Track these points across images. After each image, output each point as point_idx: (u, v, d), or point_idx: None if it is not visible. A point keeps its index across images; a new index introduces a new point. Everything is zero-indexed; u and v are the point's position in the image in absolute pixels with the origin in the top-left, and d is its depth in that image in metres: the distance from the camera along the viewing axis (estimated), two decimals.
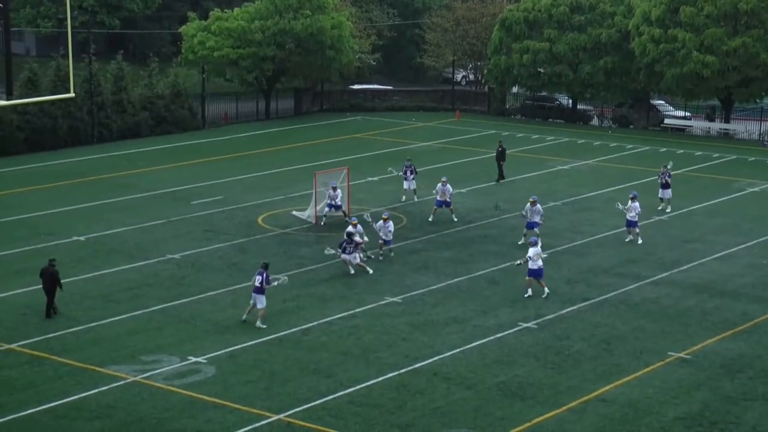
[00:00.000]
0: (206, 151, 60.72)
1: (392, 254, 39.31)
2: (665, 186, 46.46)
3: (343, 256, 36.64)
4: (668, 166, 47.37)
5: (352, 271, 36.57)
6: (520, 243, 40.25)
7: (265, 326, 31.72)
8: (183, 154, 59.40)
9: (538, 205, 40.79)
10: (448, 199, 44.41)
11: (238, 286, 35.48)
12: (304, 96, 75.90)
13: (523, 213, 41.14)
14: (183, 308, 33.50)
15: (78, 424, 25.34)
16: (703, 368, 29.20)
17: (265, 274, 31.89)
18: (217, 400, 26.52)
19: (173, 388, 27.23)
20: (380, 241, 39.08)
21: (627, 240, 41.61)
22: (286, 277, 33.41)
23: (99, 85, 62.93)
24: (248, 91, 72.93)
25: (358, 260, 36.74)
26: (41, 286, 32.85)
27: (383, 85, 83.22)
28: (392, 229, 39.32)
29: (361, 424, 25.38)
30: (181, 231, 42.42)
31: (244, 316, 32.30)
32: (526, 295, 34.81)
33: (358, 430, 25.11)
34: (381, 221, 39.20)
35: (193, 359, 29.20)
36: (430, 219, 44.25)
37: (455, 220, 44.28)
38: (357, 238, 37.04)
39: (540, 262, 34.72)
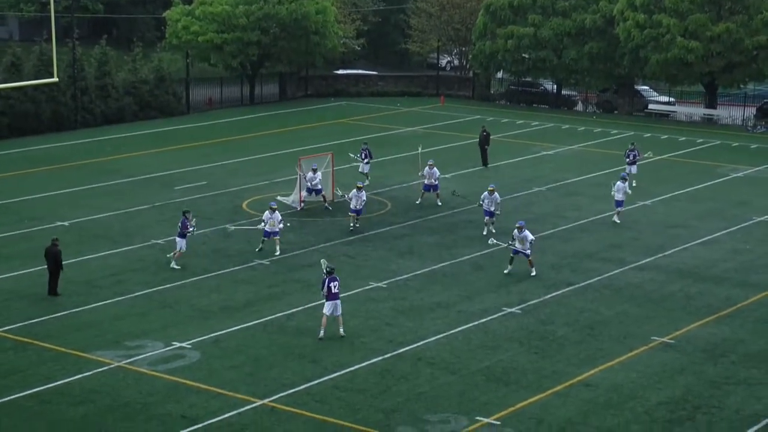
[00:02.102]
0: (190, 136, 60.49)
1: (358, 225, 40.32)
2: (632, 163, 48.39)
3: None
4: (635, 144, 49.91)
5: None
6: (484, 234, 39.72)
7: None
8: (167, 140, 59.22)
9: (496, 194, 40.09)
10: (435, 183, 44.36)
11: (221, 272, 35.47)
12: (288, 81, 75.65)
13: (480, 201, 40.42)
14: (167, 293, 33.44)
15: (62, 409, 25.29)
16: (687, 353, 29.27)
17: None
18: (201, 385, 26.49)
19: (157, 374, 27.19)
20: (350, 214, 40.05)
21: (617, 221, 41.84)
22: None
23: (82, 69, 62.62)
24: (233, 76, 72.58)
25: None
26: (46, 266, 32.97)
27: (368, 70, 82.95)
28: (365, 199, 40.34)
29: (345, 409, 25.39)
30: (165, 216, 42.27)
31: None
32: (505, 271, 35.17)
33: (342, 415, 25.10)
34: (354, 190, 40.17)
35: (178, 344, 29.16)
36: (417, 202, 44.24)
37: (440, 204, 44.27)
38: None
39: (528, 247, 34.89)
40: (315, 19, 69.74)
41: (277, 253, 37.35)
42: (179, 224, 35.78)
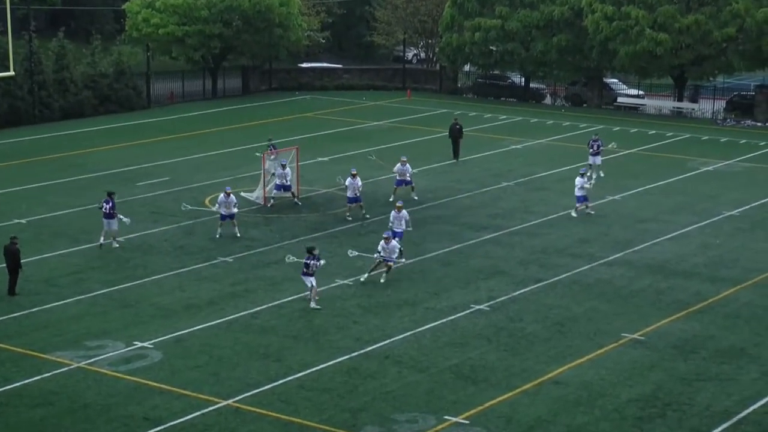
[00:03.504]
0: (152, 131, 59.88)
1: (365, 215, 40.85)
2: (595, 153, 48.53)
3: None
4: (598, 135, 50.02)
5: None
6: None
7: (319, 307, 31.81)
8: (128, 135, 58.55)
9: (404, 212, 37.34)
10: (408, 178, 44.10)
11: (184, 270, 35.06)
12: (252, 74, 75.05)
13: (391, 221, 37.27)
14: (128, 292, 32.98)
15: (20, 412, 24.77)
16: (657, 349, 29.11)
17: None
18: (163, 386, 26.13)
19: (118, 374, 26.78)
20: (348, 204, 40.53)
21: (586, 212, 41.66)
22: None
23: (40, 63, 61.85)
24: (195, 70, 71.99)
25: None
26: (5, 265, 32.50)
27: (333, 63, 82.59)
28: (360, 185, 40.77)
29: (311, 409, 25.09)
30: (126, 213, 41.02)
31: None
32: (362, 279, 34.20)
33: (308, 414, 24.79)
34: (350, 177, 40.65)
35: (139, 344, 28.74)
36: (390, 199, 43.84)
37: (416, 198, 44.00)
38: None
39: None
40: (278, 11, 69.22)
41: (237, 234, 38.13)
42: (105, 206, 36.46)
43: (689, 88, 71.31)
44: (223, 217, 38.35)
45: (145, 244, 37.84)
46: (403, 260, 34.70)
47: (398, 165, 44.24)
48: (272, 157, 45.99)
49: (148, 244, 37.79)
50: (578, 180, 41.83)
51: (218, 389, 26.03)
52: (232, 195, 38.44)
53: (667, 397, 26.07)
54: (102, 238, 37.01)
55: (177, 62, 71.37)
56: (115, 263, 35.63)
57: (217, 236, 38.12)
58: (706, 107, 68.98)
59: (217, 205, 38.65)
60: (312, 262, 31.63)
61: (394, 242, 34.11)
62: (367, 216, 40.97)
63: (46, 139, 57.11)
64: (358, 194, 40.91)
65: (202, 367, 27.33)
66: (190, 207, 40.12)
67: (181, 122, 62.76)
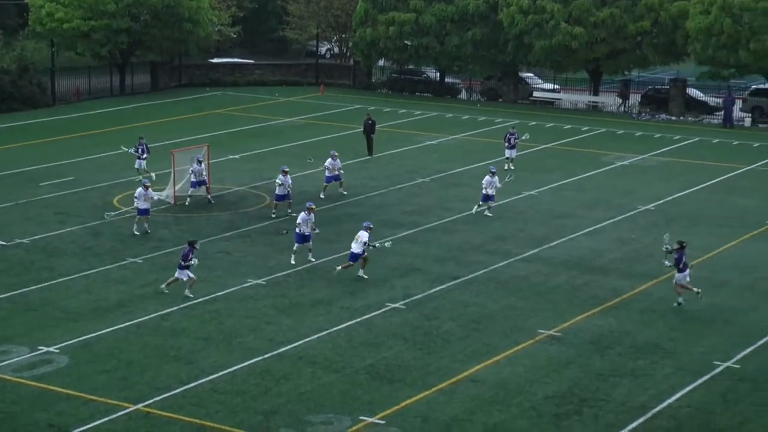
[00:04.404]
0: (57, 129, 58.66)
1: (291, 212, 40.65)
2: (512, 147, 49.10)
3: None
4: (515, 128, 50.86)
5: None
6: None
7: (167, 291, 32.13)
8: (31, 133, 57.39)
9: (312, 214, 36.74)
10: (337, 173, 43.89)
11: (92, 271, 34.39)
12: (161, 70, 73.87)
13: (299, 222, 36.11)
14: (33, 295, 32.25)
15: None
16: (573, 345, 29.13)
17: (187, 252, 32.30)
18: (70, 392, 25.60)
19: (23, 380, 26.17)
20: (276, 202, 40.68)
21: (484, 213, 41.36)
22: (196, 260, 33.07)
23: None
24: (101, 66, 70.60)
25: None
26: None
27: (244, 59, 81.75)
28: (290, 182, 41.21)
29: (224, 412, 24.72)
30: (29, 214, 41.01)
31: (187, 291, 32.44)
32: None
33: (220, 418, 24.44)
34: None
35: (45, 349, 28.12)
36: (321, 196, 43.40)
37: (344, 193, 43.90)
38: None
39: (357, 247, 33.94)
40: (188, 5, 68.25)
41: (148, 231, 38.09)
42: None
43: (618, 83, 71.57)
44: (140, 212, 38.10)
45: (50, 245, 37.05)
46: (313, 260, 34.85)
47: (329, 160, 43.99)
48: (145, 156, 45.46)
49: (54, 245, 37.01)
50: (488, 179, 41.30)
51: (127, 394, 25.55)
52: (150, 189, 38.47)
53: (584, 393, 26.11)
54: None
55: (83, 58, 69.86)
56: (18, 266, 34.85)
57: (136, 233, 37.90)
58: (621, 101, 69.33)
59: (135, 199, 38.34)
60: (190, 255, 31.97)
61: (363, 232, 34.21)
62: (294, 214, 40.15)
63: None
64: (289, 191, 40.61)
65: (111, 372, 26.83)
66: (113, 214, 39.62)
67: (88, 120, 61.62)
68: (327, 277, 34.29)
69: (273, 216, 40.60)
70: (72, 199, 43.19)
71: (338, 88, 74.81)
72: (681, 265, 31.76)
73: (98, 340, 28.82)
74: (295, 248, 35.45)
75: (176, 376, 26.58)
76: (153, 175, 45.13)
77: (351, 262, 34.14)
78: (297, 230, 35.36)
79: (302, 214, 35.44)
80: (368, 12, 71.55)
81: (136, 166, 46.22)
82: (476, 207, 41.57)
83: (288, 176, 40.75)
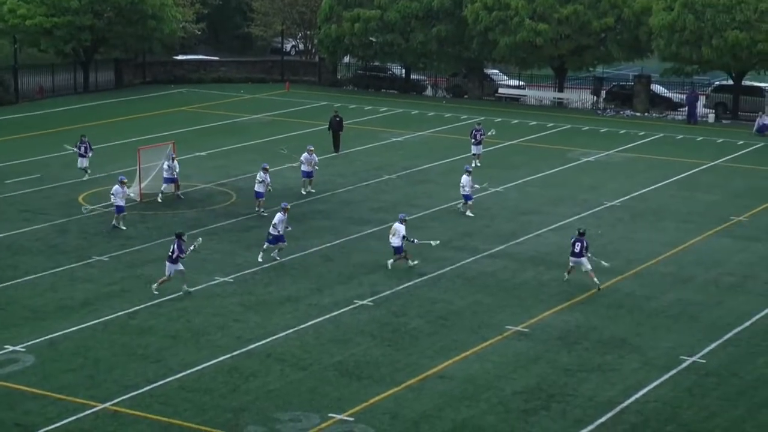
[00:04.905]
0: (20, 126, 58.09)
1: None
2: (478, 143, 49.34)
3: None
4: (481, 124, 50.88)
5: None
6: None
7: (157, 293, 31.73)
8: None
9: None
10: (313, 169, 43.87)
11: (58, 269, 34.13)
12: (125, 67, 73.37)
13: (275, 223, 35.47)
14: None
15: None
16: (541, 341, 29.21)
17: (177, 243, 31.70)
18: (36, 391, 25.43)
19: None
20: (258, 199, 40.40)
21: (467, 213, 41.27)
22: (200, 239, 33.14)
23: None
24: (65, 63, 69.91)
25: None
26: None
27: (209, 55, 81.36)
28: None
29: (192, 411, 24.63)
30: None
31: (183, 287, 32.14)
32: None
33: (188, 416, 24.34)
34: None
35: (10, 348, 27.91)
36: (303, 192, 43.27)
37: (312, 191, 43.87)
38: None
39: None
40: (152, 2, 67.73)
41: (123, 228, 38.17)
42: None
43: (592, 80, 71.64)
44: (118, 210, 38.14)
45: (15, 243, 36.75)
46: (278, 259, 35.02)
47: (305, 154, 43.91)
48: (88, 154, 45.14)
49: (19, 243, 36.71)
50: (465, 178, 41.10)
51: (94, 392, 25.41)
52: (126, 186, 38.79)
53: (551, 389, 26.18)
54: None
55: (46, 55, 69.18)
56: None
57: (123, 228, 38.13)
58: (586, 98, 69.55)
59: (112, 195, 38.22)
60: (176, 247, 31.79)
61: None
62: (265, 213, 40.07)
63: None
64: (270, 189, 40.50)
65: (77, 370, 26.66)
66: (90, 208, 39.70)
67: (52, 117, 61.10)
68: (294, 274, 34.19)
69: (264, 214, 40.01)
70: (37, 197, 42.89)
71: (304, 84, 74.63)
72: (578, 251, 33.07)
73: (65, 338, 28.62)
74: (265, 247, 35.34)
75: (144, 374, 26.44)
76: (87, 175, 45.02)
77: (398, 255, 34.51)
78: (272, 230, 35.16)
79: (278, 215, 35.19)
80: (333, 8, 71.35)
81: (78, 165, 45.65)
82: (468, 210, 41.16)
83: (267, 174, 40.52)
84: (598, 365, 27.62)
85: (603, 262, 33.91)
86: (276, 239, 35.11)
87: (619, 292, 33.27)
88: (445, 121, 61.81)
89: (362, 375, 26.73)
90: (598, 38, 66.85)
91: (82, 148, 45.67)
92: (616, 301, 32.47)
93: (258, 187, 40.49)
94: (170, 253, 31.85)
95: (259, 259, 35.12)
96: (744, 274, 35.28)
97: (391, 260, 34.69)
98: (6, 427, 23.63)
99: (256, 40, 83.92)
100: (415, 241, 34.88)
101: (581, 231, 33.73)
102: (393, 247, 34.66)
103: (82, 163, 45.66)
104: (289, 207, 36.01)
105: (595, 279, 33.10)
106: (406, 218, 35.18)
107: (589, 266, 33.16)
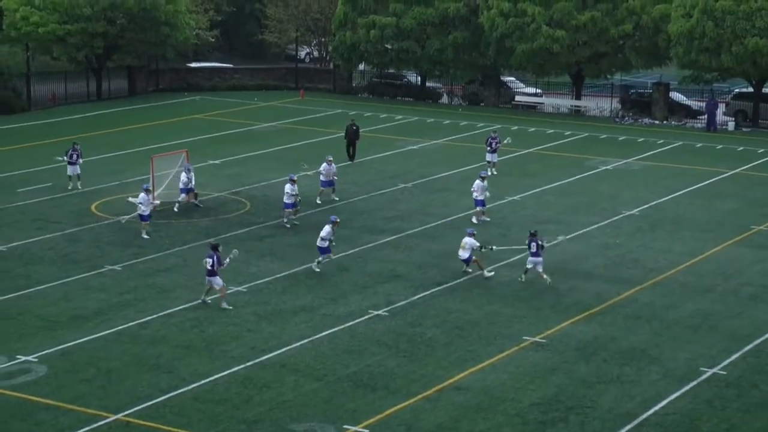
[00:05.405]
0: (33, 134, 58.05)
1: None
2: (493, 151, 49.21)
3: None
4: (497, 132, 50.73)
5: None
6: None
7: (231, 307, 31.47)
8: (7, 138, 56.69)
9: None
10: (333, 178, 43.71)
11: (70, 279, 34.05)
12: (138, 75, 73.31)
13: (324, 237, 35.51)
14: (10, 303, 31.88)
15: None
16: (558, 352, 28.96)
17: (215, 256, 31.39)
18: (49, 401, 25.33)
19: (0, 390, 25.85)
20: (285, 210, 40.05)
21: (472, 219, 41.05)
22: (236, 251, 32.86)
23: None
24: (78, 70, 69.93)
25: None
26: None
27: (223, 63, 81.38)
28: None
29: (206, 421, 24.50)
30: (6, 220, 40.65)
31: (203, 297, 32.01)
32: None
33: (202, 427, 24.21)
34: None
35: (23, 358, 27.82)
36: (318, 201, 43.09)
37: (336, 199, 43.74)
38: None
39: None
40: (165, 9, 67.74)
41: (146, 237, 38.22)
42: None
43: (620, 90, 71.23)
44: (143, 218, 38.14)
45: (27, 252, 36.68)
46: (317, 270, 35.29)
47: (324, 164, 43.76)
48: (79, 161, 44.89)
49: (31, 252, 36.64)
50: (478, 183, 40.92)
51: (107, 403, 25.32)
52: (144, 194, 38.74)
53: (570, 401, 25.95)
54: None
55: (59, 62, 69.29)
56: None
57: (146, 237, 38.08)
58: (604, 105, 69.17)
59: (139, 204, 38.27)
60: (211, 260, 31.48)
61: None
62: (296, 222, 40.02)
63: None
64: (298, 200, 40.29)
65: (90, 381, 26.58)
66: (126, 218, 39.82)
67: (64, 125, 60.95)
68: (309, 283, 34.05)
69: (287, 225, 40.02)
70: (50, 206, 42.84)
71: (318, 92, 74.51)
72: (535, 251, 34.00)
73: (77, 348, 28.52)
74: (320, 259, 35.22)
75: (156, 384, 26.33)
76: (77, 186, 44.86)
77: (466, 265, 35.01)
78: (319, 243, 35.10)
79: (327, 227, 35.11)
80: (348, 15, 71.22)
81: (68, 172, 45.38)
82: (474, 218, 41.09)
83: (295, 185, 40.13)
84: (617, 376, 27.39)
85: (560, 236, 35.02)
86: (322, 251, 35.00)
87: (637, 302, 32.98)
88: (461, 129, 61.58)
89: (377, 386, 26.54)
90: (616, 45, 66.57)
91: (73, 156, 45.27)
92: (634, 311, 32.17)
93: (287, 199, 40.17)
94: (209, 267, 31.34)
95: (316, 269, 35.01)
96: (764, 284, 34.94)
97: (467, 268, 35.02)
98: None
99: (270, 48, 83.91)
100: (483, 249, 34.93)
101: (532, 232, 34.36)
102: (462, 260, 34.87)
103: (72, 170, 45.29)
104: (338, 221, 36.02)
105: (545, 276, 33.73)
106: (474, 233, 35.32)
107: (541, 267, 33.84)
